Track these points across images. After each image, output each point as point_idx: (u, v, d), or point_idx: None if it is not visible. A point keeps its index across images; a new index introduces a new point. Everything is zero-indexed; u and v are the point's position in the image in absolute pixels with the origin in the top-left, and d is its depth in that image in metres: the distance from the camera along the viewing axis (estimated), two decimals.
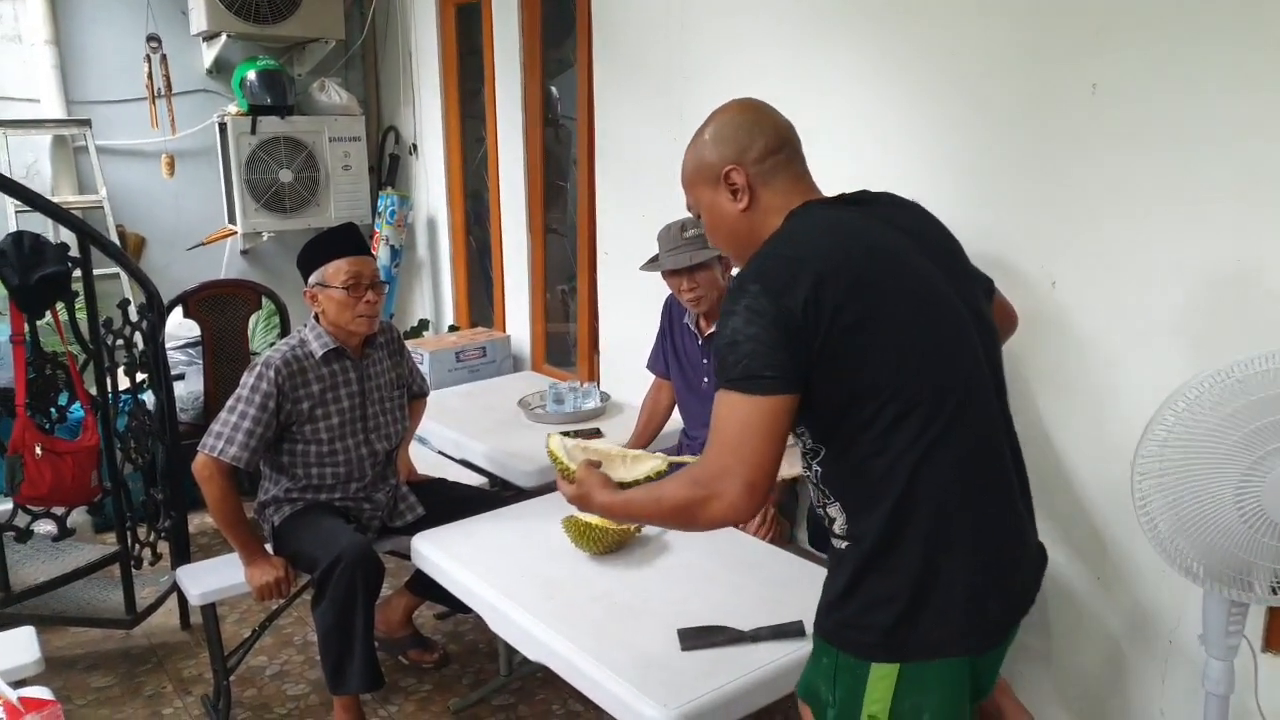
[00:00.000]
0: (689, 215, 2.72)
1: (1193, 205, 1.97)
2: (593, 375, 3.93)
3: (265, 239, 4.77)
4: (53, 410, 2.56)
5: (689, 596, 2.06)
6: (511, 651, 2.68)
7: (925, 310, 1.36)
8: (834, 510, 1.43)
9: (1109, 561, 2.24)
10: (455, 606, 2.92)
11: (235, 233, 4.72)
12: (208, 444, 2.36)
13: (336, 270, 2.47)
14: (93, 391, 2.65)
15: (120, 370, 2.80)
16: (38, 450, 2.42)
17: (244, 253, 4.93)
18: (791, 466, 1.61)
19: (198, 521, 3.52)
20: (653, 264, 2.71)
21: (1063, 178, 2.22)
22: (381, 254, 4.75)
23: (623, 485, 1.55)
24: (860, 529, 1.38)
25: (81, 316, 2.63)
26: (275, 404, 2.39)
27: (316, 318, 2.53)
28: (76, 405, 2.62)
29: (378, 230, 4.80)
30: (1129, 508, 2.00)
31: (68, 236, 2.70)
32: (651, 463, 1.60)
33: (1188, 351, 2.02)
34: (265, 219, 4.60)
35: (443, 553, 2.33)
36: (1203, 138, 1.94)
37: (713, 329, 2.76)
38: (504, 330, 4.48)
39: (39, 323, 2.52)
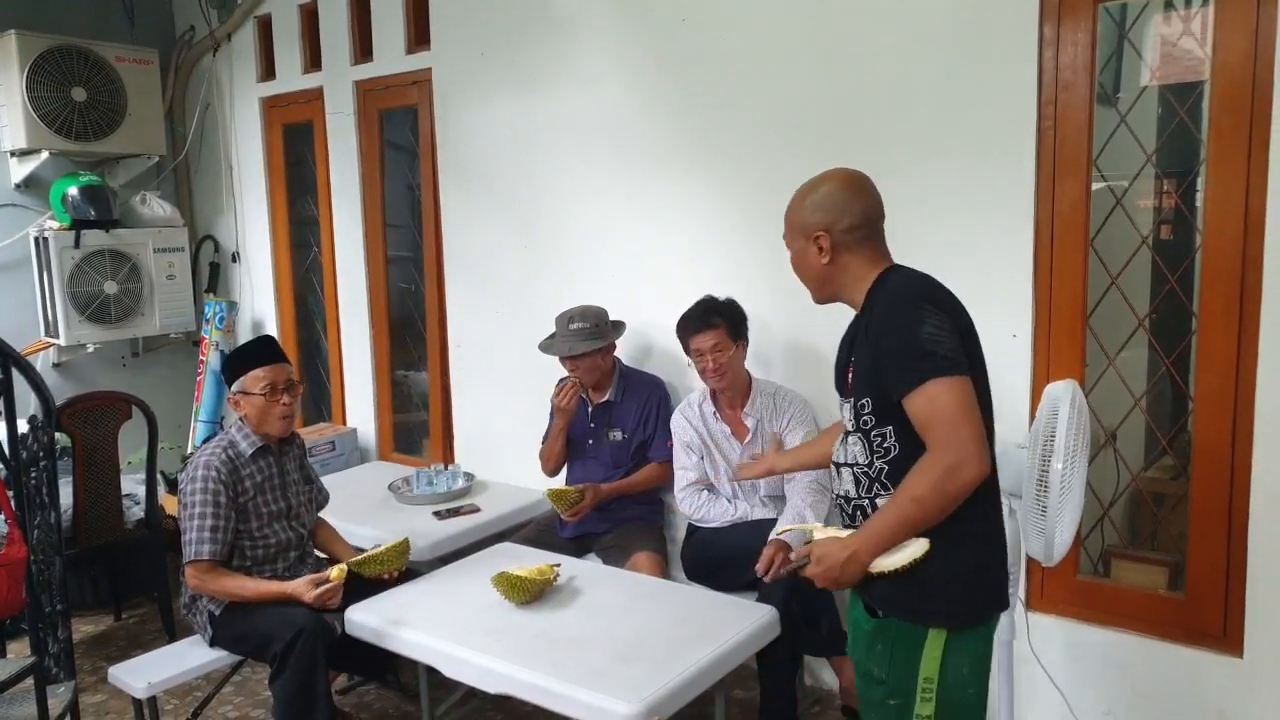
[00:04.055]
0: (576, 307, 3.28)
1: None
2: (446, 459, 4.28)
3: (90, 350, 4.74)
4: None
5: (613, 625, 2.51)
6: (433, 707, 2.98)
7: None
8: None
9: None
10: (368, 674, 3.20)
11: (50, 345, 4.68)
12: (187, 554, 2.62)
13: (255, 379, 2.77)
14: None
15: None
16: None
17: (56, 366, 4.85)
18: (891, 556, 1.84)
19: None
20: (549, 343, 3.31)
21: None
22: (211, 359, 4.87)
23: (896, 572, 1.78)
24: None
25: None
26: (227, 496, 2.65)
27: (241, 420, 2.80)
28: None
29: (205, 336, 4.92)
30: None
31: None
32: (912, 548, 1.79)
33: None
34: (90, 330, 4.61)
35: (382, 619, 2.64)
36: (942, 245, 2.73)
37: (604, 398, 3.32)
38: (344, 424, 4.74)
39: None
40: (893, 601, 1.86)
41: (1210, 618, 2.55)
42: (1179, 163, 2.70)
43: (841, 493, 1.96)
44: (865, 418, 1.85)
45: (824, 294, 1.98)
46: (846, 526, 1.95)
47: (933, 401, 1.72)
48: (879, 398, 1.82)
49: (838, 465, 1.96)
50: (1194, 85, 2.57)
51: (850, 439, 1.91)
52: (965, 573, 1.82)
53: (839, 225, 1.88)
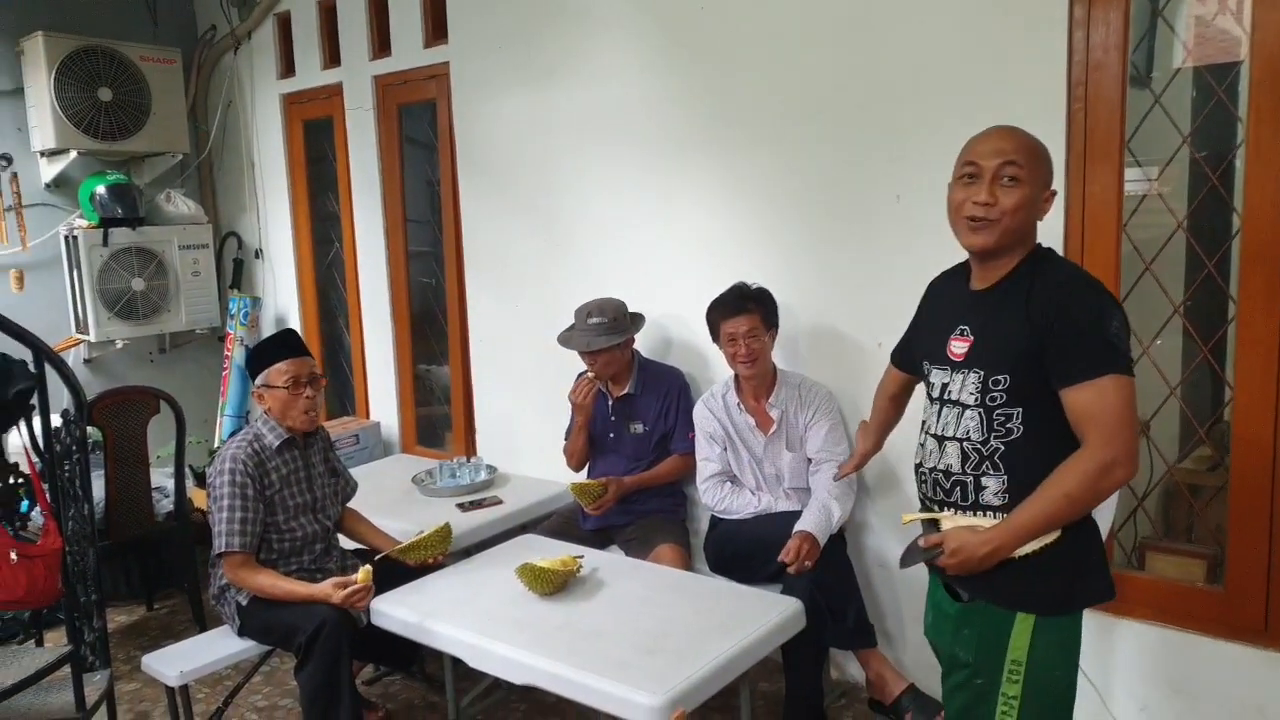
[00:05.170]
0: (594, 301, 3.24)
1: None
2: (469, 452, 4.27)
3: (119, 346, 4.79)
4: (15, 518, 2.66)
5: (637, 617, 2.49)
6: (459, 698, 2.98)
7: None
8: None
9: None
10: (394, 665, 3.20)
11: (81, 341, 4.74)
12: (218, 546, 2.64)
13: (279, 372, 2.78)
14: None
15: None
16: (13, 556, 2.50)
17: (87, 361, 4.90)
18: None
19: None
20: (568, 335, 3.28)
21: (878, 266, 2.93)
22: (236, 354, 4.90)
23: (1024, 557, 1.76)
24: None
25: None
26: (254, 489, 2.67)
27: (266, 413, 2.81)
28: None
29: (231, 332, 4.95)
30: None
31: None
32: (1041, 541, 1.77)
33: None
34: (119, 327, 4.66)
35: (409, 610, 2.63)
36: None
37: (624, 391, 3.29)
38: (367, 417, 4.75)
39: None
40: (982, 586, 1.81)
41: (1251, 611, 2.49)
42: (1215, 145, 2.64)
43: (941, 466, 1.87)
44: (996, 394, 1.78)
45: (1004, 241, 1.81)
46: (937, 500, 1.89)
47: (1103, 396, 1.68)
48: (1023, 377, 1.75)
49: (939, 438, 1.87)
50: (1230, 66, 2.50)
51: (968, 413, 1.81)
52: (1068, 563, 1.78)
53: None
